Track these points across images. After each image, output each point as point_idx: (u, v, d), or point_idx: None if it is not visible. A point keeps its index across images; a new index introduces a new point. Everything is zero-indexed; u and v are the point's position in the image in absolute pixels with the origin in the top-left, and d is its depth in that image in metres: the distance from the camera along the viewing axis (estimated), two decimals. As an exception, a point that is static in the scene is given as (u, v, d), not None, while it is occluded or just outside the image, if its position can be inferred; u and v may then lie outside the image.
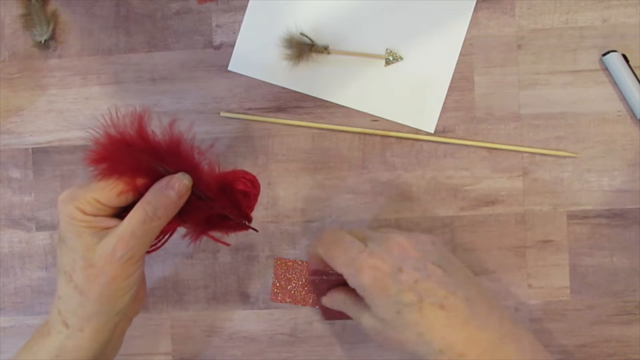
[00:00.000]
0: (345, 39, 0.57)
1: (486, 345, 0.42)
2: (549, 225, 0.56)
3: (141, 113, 0.40)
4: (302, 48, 0.56)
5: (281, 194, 0.58)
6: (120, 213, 0.42)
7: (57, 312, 0.42)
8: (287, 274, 0.57)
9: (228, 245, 0.47)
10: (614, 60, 0.54)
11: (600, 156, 0.56)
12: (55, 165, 0.59)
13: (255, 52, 0.57)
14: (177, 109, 0.58)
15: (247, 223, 0.46)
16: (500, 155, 0.56)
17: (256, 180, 0.45)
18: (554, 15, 0.56)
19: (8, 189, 0.59)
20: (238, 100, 0.58)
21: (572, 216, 0.56)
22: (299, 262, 0.57)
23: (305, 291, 0.57)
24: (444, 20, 0.56)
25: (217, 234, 0.46)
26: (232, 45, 0.58)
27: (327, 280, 0.49)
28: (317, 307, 0.57)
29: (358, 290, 0.45)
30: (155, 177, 0.42)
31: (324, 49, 0.56)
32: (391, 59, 0.56)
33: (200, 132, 0.57)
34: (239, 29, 0.58)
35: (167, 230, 0.43)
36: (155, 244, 0.44)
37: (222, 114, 0.58)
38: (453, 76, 0.56)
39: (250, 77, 0.58)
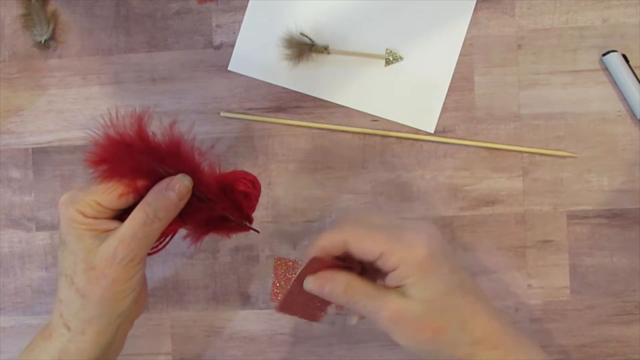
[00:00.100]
0: (345, 39, 0.57)
1: (514, 341, 0.40)
2: (549, 225, 0.56)
3: (141, 114, 0.40)
4: (302, 48, 0.56)
5: (281, 194, 0.58)
6: (121, 215, 0.42)
7: (59, 315, 0.42)
8: (287, 274, 0.57)
9: (229, 237, 0.46)
10: (614, 60, 0.54)
11: (600, 156, 0.56)
12: (55, 165, 0.59)
13: (255, 52, 0.57)
14: (177, 109, 0.58)
15: (248, 224, 0.46)
16: (500, 155, 0.56)
17: (257, 180, 0.45)
18: (554, 15, 0.56)
19: (8, 189, 0.59)
20: (238, 100, 0.58)
21: (572, 216, 0.56)
22: (299, 262, 0.57)
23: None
24: (444, 20, 0.56)
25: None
26: (232, 45, 0.58)
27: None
28: (283, 295, 0.53)
29: (400, 270, 0.39)
30: (155, 178, 0.41)
31: (324, 49, 0.56)
32: (391, 59, 0.56)
33: (200, 132, 0.57)
34: (239, 29, 0.58)
35: (168, 232, 0.43)
36: (157, 246, 0.44)
37: (222, 114, 0.58)
38: (453, 76, 0.56)
39: (250, 77, 0.57)
